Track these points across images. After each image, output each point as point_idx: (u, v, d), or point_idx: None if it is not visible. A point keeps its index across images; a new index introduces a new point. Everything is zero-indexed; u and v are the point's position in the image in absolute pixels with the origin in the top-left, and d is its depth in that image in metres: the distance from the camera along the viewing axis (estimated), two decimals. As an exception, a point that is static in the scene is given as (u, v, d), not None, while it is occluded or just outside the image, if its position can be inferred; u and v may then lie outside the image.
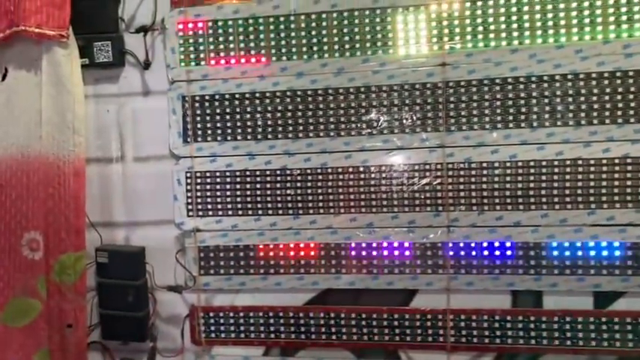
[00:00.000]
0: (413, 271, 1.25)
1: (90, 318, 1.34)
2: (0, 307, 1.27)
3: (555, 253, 1.20)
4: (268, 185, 1.29)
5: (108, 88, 1.35)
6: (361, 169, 1.26)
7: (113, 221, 1.37)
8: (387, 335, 1.28)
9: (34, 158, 1.26)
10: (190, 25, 1.29)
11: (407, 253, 1.25)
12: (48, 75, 1.25)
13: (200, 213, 1.31)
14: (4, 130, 1.26)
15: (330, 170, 1.27)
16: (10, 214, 1.25)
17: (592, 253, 1.18)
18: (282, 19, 1.27)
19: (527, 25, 1.19)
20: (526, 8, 1.18)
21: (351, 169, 1.26)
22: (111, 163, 1.36)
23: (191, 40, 1.30)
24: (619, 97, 1.16)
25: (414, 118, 1.23)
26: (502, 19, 1.19)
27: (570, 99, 1.17)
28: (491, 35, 1.20)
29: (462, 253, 1.23)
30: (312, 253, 1.28)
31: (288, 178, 1.29)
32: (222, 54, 1.29)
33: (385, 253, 1.26)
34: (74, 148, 1.27)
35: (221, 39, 1.29)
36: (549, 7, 1.18)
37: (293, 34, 1.27)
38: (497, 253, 1.22)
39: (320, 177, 1.28)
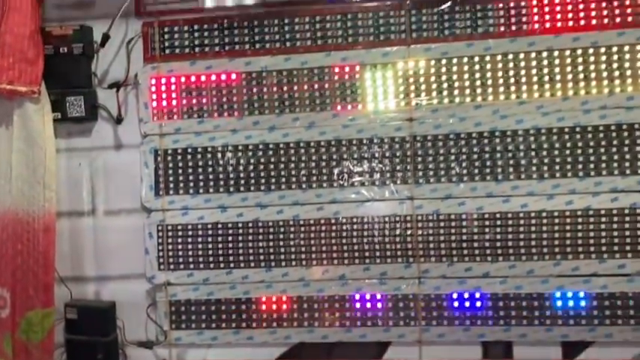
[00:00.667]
0: (385, 323, 1.25)
1: (57, 376, 1.31)
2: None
3: (524, 303, 1.22)
4: (240, 238, 1.30)
5: (80, 141, 1.35)
6: (332, 220, 1.27)
7: (83, 275, 1.35)
8: (360, 388, 1.27)
9: (3, 213, 1.25)
10: (163, 80, 1.31)
11: (379, 305, 1.26)
12: (19, 130, 1.26)
13: (171, 266, 1.31)
14: (-27, 188, 1.25)
15: (302, 222, 1.28)
16: (-21, 271, 1.24)
17: (559, 303, 1.20)
18: (254, 74, 1.29)
19: (489, 82, 1.23)
20: (488, 66, 1.23)
21: (322, 221, 1.28)
22: (82, 216, 1.35)
23: (164, 95, 1.32)
24: (579, 151, 1.20)
25: (384, 170, 1.26)
26: (466, 76, 1.24)
27: (533, 153, 1.21)
28: (456, 92, 1.24)
29: (433, 304, 1.24)
30: (285, 306, 1.28)
31: (260, 230, 1.29)
32: (195, 108, 1.31)
33: (358, 305, 1.26)
34: (45, 203, 1.26)
35: (194, 93, 1.31)
36: (510, 65, 1.23)
37: (265, 89, 1.30)
38: (467, 304, 1.23)
39: (292, 229, 1.29)
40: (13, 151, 1.25)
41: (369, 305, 1.26)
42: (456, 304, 1.23)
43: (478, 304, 1.23)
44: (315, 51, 1.28)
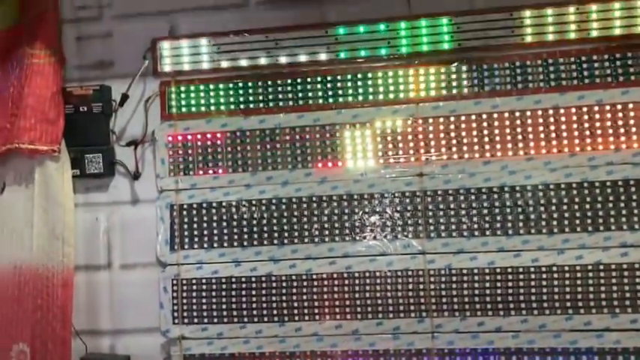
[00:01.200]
0: (399, 379, 1.26)
1: None
2: None
3: (537, 358, 1.22)
4: (254, 292, 1.31)
5: (98, 197, 1.39)
6: (345, 274, 1.29)
7: (99, 329, 1.37)
8: None
9: (25, 269, 1.27)
10: (180, 137, 1.36)
11: (393, 359, 1.26)
12: (40, 188, 1.29)
13: (186, 320, 1.32)
14: (1, 243, 1.28)
15: (314, 276, 1.30)
16: (3, 325, 1.25)
17: (572, 358, 1.20)
18: (267, 132, 1.33)
19: (497, 138, 1.26)
20: (496, 123, 1.26)
21: (335, 275, 1.29)
22: (98, 270, 1.38)
23: (180, 152, 1.35)
24: (587, 206, 1.22)
25: (395, 224, 1.28)
26: (474, 133, 1.27)
27: (542, 208, 1.24)
28: (465, 148, 1.27)
29: (447, 359, 1.24)
30: (298, 361, 1.29)
31: (274, 284, 1.31)
32: (210, 164, 1.35)
33: (371, 360, 1.27)
34: (63, 258, 1.29)
35: (209, 150, 1.35)
36: (517, 122, 1.26)
37: (278, 145, 1.33)
38: (481, 359, 1.23)
39: (305, 283, 1.30)
40: (34, 209, 1.28)
41: (382, 360, 1.27)
42: (469, 358, 1.23)
43: (491, 358, 1.23)
44: (327, 109, 1.32)
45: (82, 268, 1.37)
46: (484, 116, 1.27)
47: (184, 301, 1.33)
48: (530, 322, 1.22)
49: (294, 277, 1.31)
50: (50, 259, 1.28)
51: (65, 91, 1.36)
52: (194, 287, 1.33)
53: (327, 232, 1.31)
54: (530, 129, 1.26)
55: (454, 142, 1.28)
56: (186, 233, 1.34)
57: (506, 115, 1.26)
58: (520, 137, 1.26)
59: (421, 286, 1.26)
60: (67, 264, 1.29)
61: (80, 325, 1.35)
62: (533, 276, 1.23)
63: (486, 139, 1.27)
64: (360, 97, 1.31)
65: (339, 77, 1.32)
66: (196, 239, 1.34)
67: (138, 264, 1.36)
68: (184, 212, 1.34)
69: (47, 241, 1.28)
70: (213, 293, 1.32)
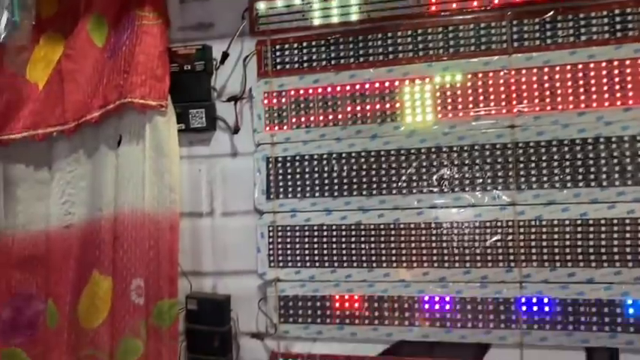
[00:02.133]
0: (486, 326, 1.28)
1: (179, 361, 1.46)
2: (116, 346, 1.41)
3: (631, 310, 1.21)
4: (344, 239, 1.38)
5: (200, 149, 1.50)
6: (433, 225, 1.33)
7: (202, 271, 1.49)
8: (460, 388, 1.31)
9: (139, 214, 1.41)
10: (275, 94, 1.43)
11: (479, 307, 1.29)
12: (150, 141, 1.41)
13: (281, 264, 1.42)
14: (118, 191, 1.43)
15: (402, 226, 1.35)
16: (123, 262, 1.40)
17: (669, 311, 1.18)
18: (357, 87, 1.38)
19: (593, 89, 1.24)
20: (592, 74, 1.24)
21: (423, 225, 1.33)
22: (201, 217, 1.50)
23: (275, 107, 1.43)
24: (690, 157, 1.18)
25: (485, 177, 1.30)
26: (569, 83, 1.25)
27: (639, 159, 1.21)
28: (559, 99, 1.26)
29: (535, 308, 1.26)
30: (386, 305, 1.35)
31: (363, 232, 1.37)
32: (303, 119, 1.42)
33: (458, 307, 1.30)
34: (170, 204, 1.41)
35: (302, 105, 1.42)
36: (615, 72, 1.23)
37: (368, 99, 1.38)
38: (570, 309, 1.24)
39: (393, 232, 1.35)
40: (145, 160, 1.41)
41: (469, 307, 1.30)
42: (558, 308, 1.24)
43: (582, 309, 1.23)
44: (417, 62, 1.34)
45: (186, 215, 1.49)
46: (579, 66, 1.25)
47: (279, 246, 1.42)
48: (624, 274, 1.21)
49: (382, 227, 1.36)
50: (159, 205, 1.40)
51: (170, 51, 1.46)
52: (288, 233, 1.41)
53: (414, 184, 1.34)
54: (629, 78, 1.22)
55: (547, 93, 1.26)
56: (281, 184, 1.42)
57: (604, 64, 1.23)
58: (618, 87, 1.23)
59: (510, 237, 1.28)
60: (174, 210, 1.41)
61: (186, 267, 1.47)
62: (628, 228, 1.21)
63: (581, 89, 1.25)
64: (451, 50, 1.32)
65: (429, 30, 1.33)
66: (290, 189, 1.42)
67: (237, 212, 1.47)
68: (279, 164, 1.43)
69: (157, 189, 1.40)
70: (306, 239, 1.40)
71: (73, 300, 1.47)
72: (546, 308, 1.25)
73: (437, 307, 1.32)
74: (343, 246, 1.38)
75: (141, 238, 1.39)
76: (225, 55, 1.44)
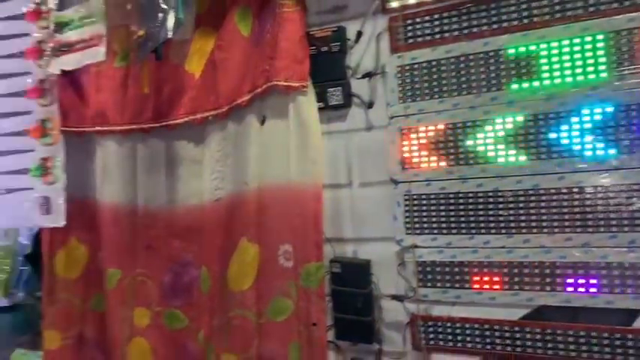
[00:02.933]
0: (635, 291, 1.24)
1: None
2: (265, 306, 1.59)
3: None
4: (480, 206, 1.41)
5: (338, 125, 1.61)
6: (575, 189, 1.30)
7: (343, 237, 1.61)
8: (607, 355, 1.28)
9: (284, 186, 1.56)
10: (407, 67, 1.49)
11: (627, 273, 1.25)
12: (294, 119, 1.55)
13: (417, 231, 1.48)
14: (263, 165, 1.59)
15: (542, 191, 1.34)
16: (271, 230, 1.57)
17: None
18: (491, 53, 1.39)
19: None
20: None
21: (564, 190, 1.32)
22: (341, 188, 1.61)
23: (408, 80, 1.49)
24: None
25: (630, 139, 1.24)
26: None
27: None
28: None
29: (692, 274, 1.19)
30: (526, 270, 1.35)
31: (500, 199, 1.38)
32: (435, 89, 1.46)
33: (604, 272, 1.27)
34: (314, 176, 1.54)
35: (435, 76, 1.46)
36: None
37: (502, 66, 1.38)
38: None
39: (532, 198, 1.35)
40: (289, 136, 1.55)
41: (616, 272, 1.26)
42: None
43: None
44: (553, 25, 1.31)
45: (328, 187, 1.60)
46: None
47: (415, 214, 1.48)
48: None
49: (520, 192, 1.36)
50: (304, 176, 1.53)
51: (308, 35, 1.58)
52: (424, 202, 1.47)
53: (554, 149, 1.32)
54: None
55: None
56: (414, 154, 1.48)
57: None
58: None
59: (662, 200, 1.22)
60: (317, 181, 1.54)
61: (329, 234, 1.59)
62: None
63: None
64: (591, 9, 1.28)
65: (566, -10, 1.30)
66: (424, 159, 1.47)
67: (374, 182, 1.56)
68: (412, 135, 1.48)
69: (302, 162, 1.54)
70: (442, 207, 1.45)
71: (223, 266, 1.66)
72: None
73: (580, 272, 1.29)
74: (480, 213, 1.41)
75: (287, 208, 1.54)
76: (359, 34, 1.52)
